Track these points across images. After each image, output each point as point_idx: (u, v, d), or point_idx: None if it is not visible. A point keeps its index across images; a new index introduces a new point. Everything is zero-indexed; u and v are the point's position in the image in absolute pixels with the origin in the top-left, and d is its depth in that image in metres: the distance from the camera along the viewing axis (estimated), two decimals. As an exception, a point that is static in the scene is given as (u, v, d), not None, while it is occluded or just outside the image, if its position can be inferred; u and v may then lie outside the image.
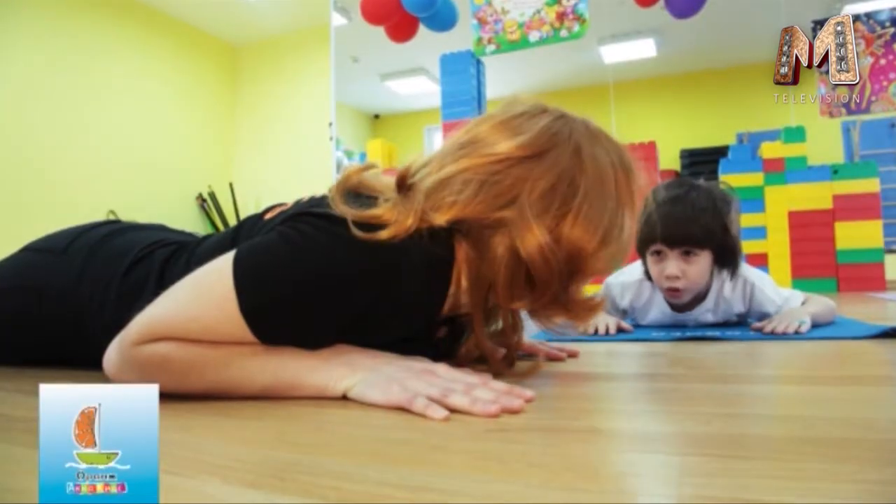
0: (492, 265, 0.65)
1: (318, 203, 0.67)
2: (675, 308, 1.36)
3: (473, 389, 0.56)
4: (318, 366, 0.62)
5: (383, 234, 0.60)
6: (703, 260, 1.23)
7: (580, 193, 0.66)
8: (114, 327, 0.66)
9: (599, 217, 0.66)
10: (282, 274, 0.60)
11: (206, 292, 0.60)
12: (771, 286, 1.32)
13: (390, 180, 0.69)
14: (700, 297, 1.35)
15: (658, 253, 1.27)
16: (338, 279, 0.60)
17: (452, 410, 0.54)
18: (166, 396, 0.65)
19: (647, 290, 1.38)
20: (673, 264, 1.24)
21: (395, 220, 0.62)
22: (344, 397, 0.61)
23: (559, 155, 0.67)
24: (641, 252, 1.31)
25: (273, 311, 0.60)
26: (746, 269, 1.32)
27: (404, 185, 0.67)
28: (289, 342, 0.63)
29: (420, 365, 0.62)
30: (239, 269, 0.60)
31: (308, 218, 0.63)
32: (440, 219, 0.63)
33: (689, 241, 1.22)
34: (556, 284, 0.65)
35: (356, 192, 0.66)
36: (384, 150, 4.79)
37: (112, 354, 0.62)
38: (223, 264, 0.61)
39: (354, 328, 0.65)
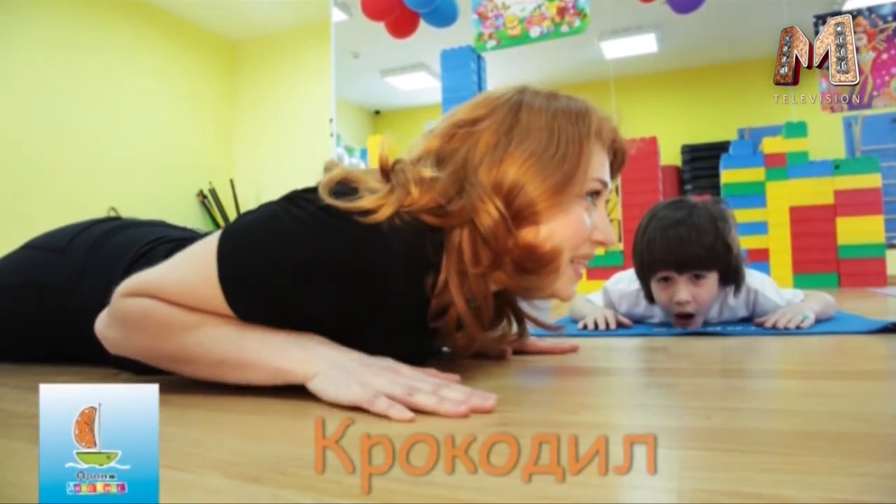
0: (461, 248, 0.67)
1: (308, 191, 0.67)
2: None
3: (441, 389, 0.54)
4: (282, 352, 0.60)
5: (369, 221, 0.60)
6: (711, 282, 1.19)
7: (514, 142, 0.69)
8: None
9: (534, 155, 0.68)
10: (265, 248, 0.60)
11: (193, 259, 0.62)
12: (772, 289, 1.31)
13: (375, 171, 0.69)
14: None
15: (665, 279, 1.22)
16: (319, 264, 0.59)
17: (417, 411, 0.51)
18: (166, 391, 0.65)
19: (645, 302, 1.35)
20: (683, 290, 1.18)
21: (380, 208, 0.62)
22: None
23: (499, 113, 0.71)
24: (645, 278, 1.26)
25: (249, 283, 0.60)
26: (748, 275, 1.29)
27: (387, 171, 0.68)
28: (262, 317, 0.62)
29: (384, 362, 0.59)
30: (224, 238, 0.61)
31: (300, 201, 0.63)
32: (420, 203, 0.64)
33: (697, 264, 1.17)
34: (502, 231, 0.66)
35: (341, 184, 0.66)
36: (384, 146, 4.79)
37: (102, 313, 0.65)
38: (213, 237, 0.62)
39: (335, 318, 0.64)
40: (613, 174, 0.80)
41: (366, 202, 0.61)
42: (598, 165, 0.73)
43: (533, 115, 0.71)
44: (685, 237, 1.16)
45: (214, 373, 0.62)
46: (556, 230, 0.69)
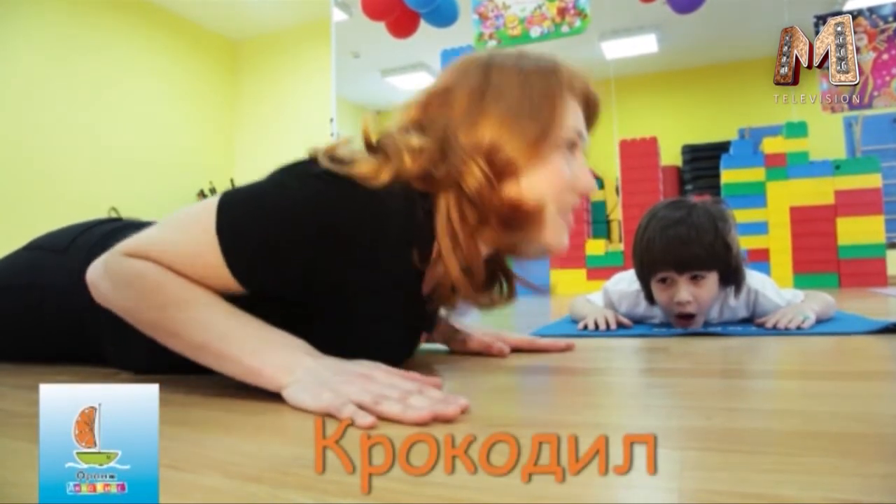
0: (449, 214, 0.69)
1: (306, 161, 0.69)
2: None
3: (408, 397, 0.54)
4: (262, 354, 0.60)
5: (368, 186, 0.62)
6: (711, 282, 1.19)
7: (488, 102, 0.71)
8: (114, 326, 0.68)
9: (509, 113, 0.71)
10: (264, 207, 0.61)
11: (193, 220, 0.63)
12: (773, 289, 1.30)
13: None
14: None
15: (664, 280, 1.22)
16: (320, 225, 0.61)
17: (383, 419, 0.51)
18: (166, 391, 0.65)
19: (645, 302, 1.35)
20: (684, 290, 1.18)
21: (378, 175, 0.64)
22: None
23: (471, 77, 0.74)
24: (645, 279, 1.26)
25: (248, 240, 0.61)
26: (748, 275, 1.29)
27: (370, 144, 0.70)
28: (259, 280, 0.63)
29: (359, 369, 0.59)
30: (225, 198, 0.62)
31: (300, 167, 0.65)
32: (411, 170, 0.66)
33: (697, 264, 1.17)
34: (487, 190, 0.68)
35: (337, 153, 0.67)
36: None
37: (98, 261, 0.65)
38: (212, 199, 0.63)
39: (332, 287, 0.65)
40: (589, 125, 0.82)
41: (364, 168, 0.63)
42: (573, 117, 0.76)
43: (504, 75, 0.73)
44: (685, 237, 1.16)
45: (192, 353, 0.62)
46: (537, 183, 0.71)
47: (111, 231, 0.89)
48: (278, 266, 0.62)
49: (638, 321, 1.36)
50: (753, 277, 1.30)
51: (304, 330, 0.64)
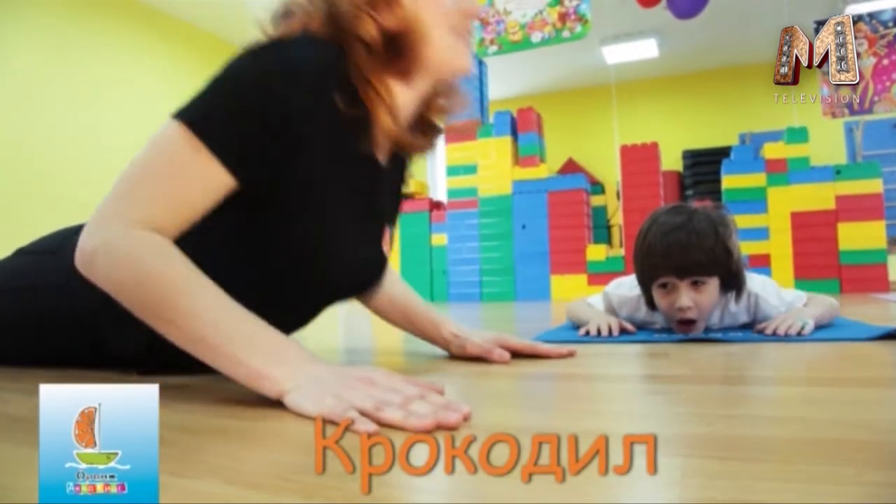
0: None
1: None
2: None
3: (410, 403, 0.54)
4: (265, 358, 0.59)
5: (279, 42, 0.70)
6: (712, 287, 1.19)
7: None
8: (112, 320, 0.69)
9: None
10: (212, 93, 0.67)
11: (155, 154, 0.66)
12: (774, 293, 1.30)
13: None
14: None
15: (665, 286, 1.21)
16: (240, 87, 0.67)
17: (385, 425, 0.51)
18: (168, 397, 0.65)
19: (645, 308, 1.34)
20: (684, 296, 1.18)
21: (290, 33, 0.72)
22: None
23: None
24: (645, 284, 1.26)
25: (217, 117, 0.66)
26: (749, 279, 1.29)
27: (284, 12, 0.78)
28: (248, 158, 0.66)
29: (359, 373, 0.59)
30: (175, 113, 0.67)
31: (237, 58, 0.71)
32: (316, 25, 0.74)
33: (698, 270, 1.17)
34: (375, 28, 0.73)
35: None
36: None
37: (96, 230, 0.65)
38: (158, 131, 0.67)
39: (291, 150, 0.69)
40: None
41: (279, 31, 0.74)
42: None
43: None
44: (685, 243, 1.16)
45: (191, 346, 0.61)
46: (417, 4, 0.75)
47: None
48: (249, 132, 0.66)
49: (639, 326, 1.36)
50: (754, 281, 1.30)
51: (281, 236, 0.71)
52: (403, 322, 1.02)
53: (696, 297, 1.18)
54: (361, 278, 0.88)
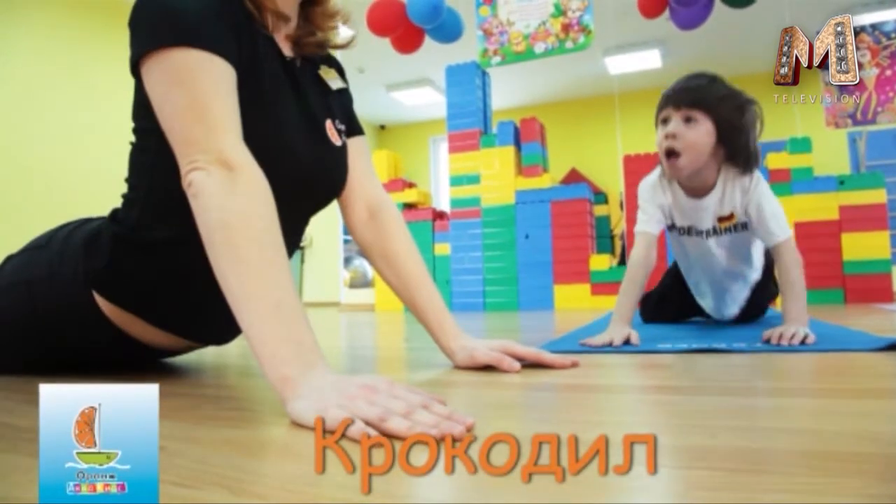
0: None
1: None
2: (688, 194, 1.42)
3: (414, 411, 0.54)
4: (279, 356, 0.60)
5: None
6: (703, 127, 1.29)
7: None
8: (86, 277, 0.83)
9: None
10: (138, 17, 0.74)
11: (174, 94, 0.70)
12: (775, 218, 1.32)
13: None
14: (707, 188, 1.39)
15: (664, 121, 1.32)
16: None
17: (389, 436, 0.50)
18: (174, 407, 0.65)
19: (669, 190, 1.44)
20: (672, 123, 1.30)
21: None
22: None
23: None
24: (657, 127, 1.38)
25: (160, 24, 0.71)
26: (765, 194, 1.33)
27: None
28: (226, 37, 0.74)
29: (361, 381, 0.58)
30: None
31: None
32: None
33: (691, 99, 1.28)
34: None
35: None
36: (390, 161, 4.83)
37: (211, 175, 0.67)
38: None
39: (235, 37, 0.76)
40: None
41: None
42: None
43: None
44: (690, 78, 1.30)
45: (234, 301, 0.62)
46: None
47: (85, 219, 0.96)
48: (204, 22, 0.72)
49: (666, 207, 1.45)
50: (768, 197, 1.34)
51: (258, 126, 0.76)
52: (410, 306, 1.00)
53: (685, 132, 1.28)
54: (318, 175, 0.91)
